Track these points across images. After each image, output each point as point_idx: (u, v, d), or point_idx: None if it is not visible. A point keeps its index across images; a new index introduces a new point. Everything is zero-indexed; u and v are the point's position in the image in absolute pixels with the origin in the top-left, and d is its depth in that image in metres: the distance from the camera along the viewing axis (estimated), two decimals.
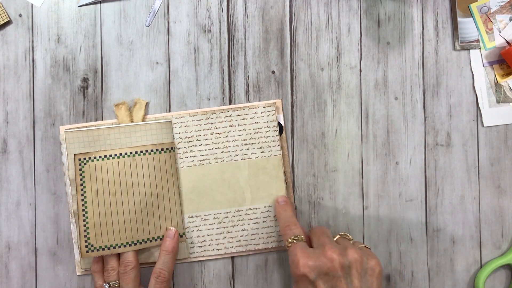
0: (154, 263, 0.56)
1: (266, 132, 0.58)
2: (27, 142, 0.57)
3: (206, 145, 0.57)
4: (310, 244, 0.52)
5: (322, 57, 0.59)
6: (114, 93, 0.58)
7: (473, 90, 0.60)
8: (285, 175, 0.58)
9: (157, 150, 0.56)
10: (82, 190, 0.55)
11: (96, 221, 0.55)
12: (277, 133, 0.58)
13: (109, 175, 0.56)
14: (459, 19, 0.60)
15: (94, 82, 0.58)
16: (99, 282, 0.55)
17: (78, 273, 0.57)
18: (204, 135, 0.57)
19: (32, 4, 0.57)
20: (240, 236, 0.58)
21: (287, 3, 0.59)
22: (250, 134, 0.57)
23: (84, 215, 0.55)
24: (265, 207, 0.57)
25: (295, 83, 0.59)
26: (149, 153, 0.56)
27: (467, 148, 0.60)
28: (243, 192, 0.57)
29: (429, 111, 0.60)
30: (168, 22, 0.58)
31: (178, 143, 0.57)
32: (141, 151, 0.56)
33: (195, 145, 0.57)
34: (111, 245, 0.55)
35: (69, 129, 0.56)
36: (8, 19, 0.57)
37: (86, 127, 0.57)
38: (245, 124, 0.58)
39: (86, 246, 0.55)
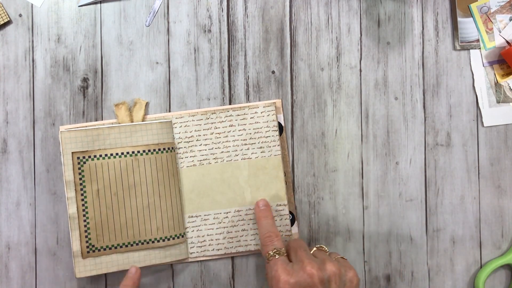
0: (155, 265, 0.56)
1: (266, 132, 0.58)
2: (27, 142, 0.57)
3: (206, 145, 0.57)
4: (287, 255, 0.52)
5: (322, 57, 0.59)
6: (114, 93, 0.58)
7: (473, 90, 0.60)
8: (285, 175, 0.58)
9: (158, 150, 0.56)
10: (82, 189, 0.55)
11: (97, 221, 0.55)
12: (277, 133, 0.58)
13: (110, 174, 0.55)
14: (459, 19, 0.60)
15: (94, 82, 0.58)
16: None
17: (77, 276, 0.56)
18: (204, 135, 0.57)
19: (32, 4, 0.57)
20: (240, 236, 0.58)
21: (287, 3, 0.59)
22: (250, 134, 0.57)
23: (84, 215, 0.55)
24: None
25: (295, 83, 0.59)
26: (150, 153, 0.56)
27: (467, 148, 0.60)
28: (243, 192, 0.57)
29: (429, 111, 0.60)
30: (168, 22, 0.58)
31: (178, 143, 0.57)
32: (143, 151, 0.56)
33: (195, 145, 0.57)
34: (112, 245, 0.55)
35: (68, 129, 0.56)
36: (8, 19, 0.57)
37: (86, 127, 0.57)
38: (245, 124, 0.58)
39: (87, 247, 0.55)
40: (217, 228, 0.57)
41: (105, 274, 0.57)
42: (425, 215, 0.59)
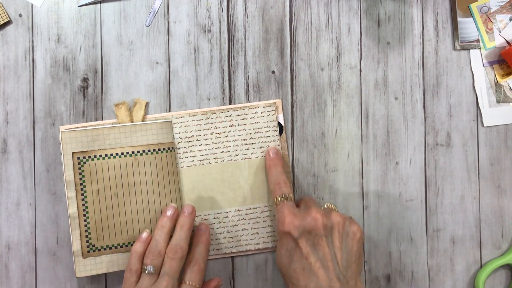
0: None
1: (266, 132, 0.58)
2: (27, 142, 0.57)
3: (206, 145, 0.57)
4: (297, 204, 0.55)
5: (322, 57, 0.59)
6: (114, 93, 0.58)
7: (473, 90, 0.60)
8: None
9: (158, 150, 0.56)
10: (82, 189, 0.55)
11: (97, 221, 0.55)
12: (277, 133, 0.58)
13: (110, 174, 0.56)
14: (459, 19, 0.60)
15: (94, 82, 0.58)
16: (137, 265, 0.52)
17: (77, 276, 0.56)
18: (204, 135, 0.57)
19: (32, 4, 0.57)
20: (240, 236, 0.58)
21: (287, 3, 0.59)
22: (250, 134, 0.57)
23: (85, 215, 0.55)
24: (265, 206, 0.57)
25: (295, 83, 0.59)
26: (149, 153, 0.56)
27: (467, 148, 0.60)
28: (243, 191, 0.57)
29: (429, 111, 0.60)
30: (168, 22, 0.58)
31: (178, 143, 0.57)
32: (143, 151, 0.56)
33: (195, 145, 0.57)
34: (112, 245, 0.55)
35: (68, 129, 0.56)
36: (8, 19, 0.57)
37: (86, 127, 0.57)
38: (245, 124, 0.58)
39: (88, 246, 0.55)
40: (217, 228, 0.57)
41: (105, 274, 0.57)
42: (425, 215, 0.59)
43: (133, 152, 0.56)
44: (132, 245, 0.55)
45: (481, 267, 0.60)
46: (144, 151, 0.56)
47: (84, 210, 0.55)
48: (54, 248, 0.57)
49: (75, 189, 0.55)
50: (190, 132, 0.57)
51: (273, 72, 0.59)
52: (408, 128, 0.59)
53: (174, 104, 0.58)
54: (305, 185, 0.59)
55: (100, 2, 0.58)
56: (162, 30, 0.58)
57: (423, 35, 0.60)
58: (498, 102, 0.60)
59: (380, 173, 0.59)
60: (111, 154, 0.56)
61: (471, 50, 0.60)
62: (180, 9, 0.58)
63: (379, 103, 0.59)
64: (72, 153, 0.55)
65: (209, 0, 0.58)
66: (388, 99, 0.59)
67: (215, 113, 0.57)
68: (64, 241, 0.57)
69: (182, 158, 0.57)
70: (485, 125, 0.60)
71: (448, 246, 0.60)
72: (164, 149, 0.56)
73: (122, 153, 0.56)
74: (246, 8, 0.59)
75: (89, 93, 0.58)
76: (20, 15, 0.57)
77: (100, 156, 0.55)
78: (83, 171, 0.55)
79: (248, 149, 0.57)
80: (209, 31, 0.58)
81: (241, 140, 0.57)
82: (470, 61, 0.60)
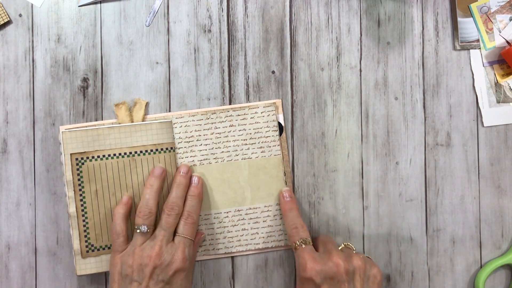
0: None
1: (266, 132, 0.58)
2: (27, 142, 0.57)
3: (206, 145, 0.57)
4: (316, 248, 0.54)
5: (322, 57, 0.59)
6: (114, 93, 0.58)
7: (473, 90, 0.60)
8: (285, 175, 0.58)
9: (157, 150, 0.56)
10: (80, 190, 0.55)
11: (96, 221, 0.55)
12: (277, 133, 0.58)
13: (108, 175, 0.56)
14: (459, 19, 0.60)
15: (94, 82, 0.58)
16: (122, 225, 0.53)
17: (78, 274, 0.56)
18: (204, 135, 0.57)
19: (32, 4, 0.57)
20: (240, 236, 0.58)
21: (287, 3, 0.59)
22: (250, 134, 0.57)
23: (83, 216, 0.55)
24: (265, 206, 0.58)
25: (295, 83, 0.59)
26: (149, 153, 0.56)
27: (467, 148, 0.60)
28: (243, 191, 0.57)
29: (429, 111, 0.60)
30: (168, 22, 0.58)
31: (178, 143, 0.57)
32: (141, 151, 0.56)
33: (195, 145, 0.57)
34: (111, 245, 0.55)
35: (68, 129, 0.56)
36: (8, 19, 0.57)
37: (86, 127, 0.57)
38: (245, 124, 0.58)
39: (87, 246, 0.55)
40: (217, 228, 0.57)
41: (105, 273, 0.57)
42: (425, 215, 0.59)
43: (130, 153, 0.56)
44: None
45: (481, 267, 0.60)
46: (141, 151, 0.56)
47: (82, 210, 0.55)
48: (54, 248, 0.57)
49: (74, 190, 0.55)
50: (190, 132, 0.57)
51: (273, 72, 0.59)
52: (408, 128, 0.59)
53: (174, 104, 0.58)
54: (305, 185, 0.59)
55: (100, 2, 0.58)
56: (162, 30, 0.58)
57: (423, 35, 0.60)
58: (498, 102, 0.60)
59: (380, 173, 0.59)
60: (109, 155, 0.56)
61: (471, 50, 0.60)
62: (180, 9, 0.58)
63: (379, 103, 0.59)
64: (70, 154, 0.55)
65: (209, 0, 0.58)
66: (388, 99, 0.59)
67: (215, 113, 0.57)
68: (64, 241, 0.57)
69: (182, 158, 0.57)
70: (485, 125, 0.60)
71: (448, 246, 0.60)
72: (162, 149, 0.56)
73: (120, 154, 0.56)
74: (246, 8, 0.59)
75: (89, 93, 0.58)
76: (20, 15, 0.57)
77: (98, 157, 0.55)
78: (81, 171, 0.55)
79: (248, 149, 0.57)
80: (209, 31, 0.58)
81: (241, 140, 0.57)
82: (470, 61, 0.60)
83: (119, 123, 0.57)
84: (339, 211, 0.59)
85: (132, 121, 0.57)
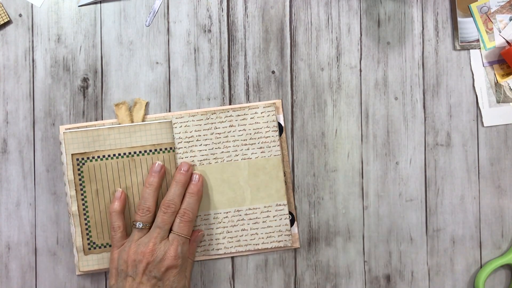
0: None
1: (266, 132, 0.58)
2: (27, 142, 0.57)
3: (206, 145, 0.57)
4: None
5: (322, 57, 0.59)
6: (114, 93, 0.58)
7: (473, 90, 0.60)
8: (285, 175, 0.58)
9: (156, 150, 0.56)
10: (81, 190, 0.56)
11: (97, 220, 0.56)
12: (277, 133, 0.58)
13: (109, 175, 0.56)
14: (459, 19, 0.60)
15: (94, 82, 0.58)
16: (118, 222, 0.54)
17: (77, 273, 0.57)
18: (204, 135, 0.57)
19: (32, 4, 0.57)
20: (240, 236, 0.58)
21: (287, 3, 0.59)
22: (250, 134, 0.57)
23: (85, 214, 0.56)
24: (264, 207, 0.58)
25: (295, 83, 0.59)
26: (148, 154, 0.56)
27: (467, 148, 0.60)
28: (243, 192, 0.57)
29: (429, 111, 0.60)
30: (168, 22, 0.58)
31: (178, 143, 0.57)
32: (140, 151, 0.56)
33: (195, 145, 0.57)
34: (111, 240, 0.56)
35: (69, 129, 0.56)
36: (8, 19, 0.57)
37: (86, 127, 0.57)
38: (245, 124, 0.58)
39: (89, 244, 0.56)
40: (216, 228, 0.57)
41: (105, 273, 0.57)
42: (425, 215, 0.59)
43: (130, 153, 0.56)
44: None
45: (481, 267, 0.60)
46: (141, 151, 0.56)
47: (84, 209, 0.56)
48: (54, 248, 0.57)
49: (75, 189, 0.56)
50: (190, 132, 0.57)
51: (273, 72, 0.59)
52: (408, 128, 0.59)
53: (174, 104, 0.58)
54: (305, 185, 0.59)
55: (100, 2, 0.58)
56: (162, 30, 0.58)
57: (423, 35, 0.60)
58: (498, 102, 0.60)
59: (380, 173, 0.59)
60: (109, 155, 0.56)
61: (471, 50, 0.60)
62: (180, 9, 0.58)
63: (379, 103, 0.59)
64: (72, 154, 0.55)
65: (209, 0, 0.58)
66: (388, 99, 0.59)
67: (215, 113, 0.57)
68: (64, 241, 0.57)
69: (182, 158, 0.57)
70: (485, 125, 0.60)
71: (448, 246, 0.60)
72: (163, 149, 0.56)
73: (119, 154, 0.56)
74: (246, 8, 0.59)
75: (89, 93, 0.58)
76: (20, 15, 0.57)
77: (98, 157, 0.56)
78: (82, 171, 0.55)
79: (248, 149, 0.57)
80: (209, 31, 0.58)
81: (241, 140, 0.57)
82: (470, 61, 0.60)
83: (119, 123, 0.57)
84: (339, 211, 0.59)
85: (132, 121, 0.57)
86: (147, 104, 0.58)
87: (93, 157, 0.56)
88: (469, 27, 0.59)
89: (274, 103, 0.58)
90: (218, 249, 0.57)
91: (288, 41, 0.59)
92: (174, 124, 0.57)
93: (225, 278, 0.58)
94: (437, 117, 0.60)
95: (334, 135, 0.59)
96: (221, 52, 0.59)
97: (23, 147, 0.57)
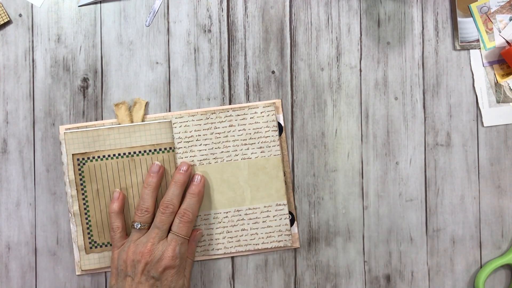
0: None
1: (266, 132, 0.58)
2: (27, 142, 0.57)
3: (206, 145, 0.57)
4: None
5: (322, 57, 0.59)
6: (114, 93, 0.58)
7: (473, 90, 0.60)
8: (284, 175, 0.58)
9: (155, 150, 0.56)
10: (82, 189, 0.56)
11: (98, 220, 0.56)
12: (277, 133, 0.58)
13: (109, 175, 0.56)
14: (459, 19, 0.60)
15: (94, 82, 0.58)
16: (117, 222, 0.55)
17: (77, 273, 0.57)
18: (204, 135, 0.57)
19: (32, 4, 0.57)
20: (240, 236, 0.58)
21: (287, 3, 0.59)
22: (250, 134, 0.57)
23: (86, 214, 0.56)
24: (264, 207, 0.58)
25: (295, 83, 0.59)
26: (148, 154, 0.56)
27: (467, 148, 0.60)
28: (242, 192, 0.57)
29: (429, 111, 0.60)
30: (168, 22, 0.58)
31: (178, 143, 0.57)
32: (140, 151, 0.56)
33: (195, 145, 0.57)
34: (111, 241, 0.56)
35: (69, 129, 0.56)
36: (8, 19, 0.57)
37: (86, 127, 0.57)
38: (245, 124, 0.58)
39: (90, 243, 0.56)
40: (216, 228, 0.57)
41: (105, 274, 0.57)
42: (425, 215, 0.59)
43: (129, 153, 0.56)
44: None
45: (481, 267, 0.60)
46: (140, 151, 0.56)
47: (85, 209, 0.56)
48: (54, 248, 0.57)
49: (76, 189, 0.56)
50: (190, 132, 0.57)
51: (273, 72, 0.59)
52: (408, 128, 0.59)
53: (174, 104, 0.58)
54: (305, 185, 0.59)
55: (100, 2, 0.58)
56: (162, 30, 0.58)
57: (423, 35, 0.60)
58: (498, 102, 0.60)
59: (380, 173, 0.59)
60: (109, 155, 0.56)
61: (471, 50, 0.60)
62: (180, 9, 0.58)
63: (379, 103, 0.59)
64: (72, 154, 0.56)
65: (209, 0, 0.58)
66: (388, 99, 0.59)
67: (214, 113, 0.57)
68: (64, 241, 0.57)
69: (182, 158, 0.57)
70: (485, 125, 0.60)
71: (448, 246, 0.60)
72: (163, 149, 0.56)
73: (119, 154, 0.56)
74: (246, 8, 0.59)
75: (89, 93, 0.58)
76: (20, 15, 0.57)
77: (99, 157, 0.56)
78: (82, 171, 0.56)
79: (248, 149, 0.57)
80: (209, 31, 0.58)
81: (241, 140, 0.57)
82: (470, 61, 0.60)
83: (119, 123, 0.57)
84: (339, 211, 0.59)
85: (132, 121, 0.57)
86: (147, 104, 0.58)
87: (94, 157, 0.56)
88: (469, 27, 0.59)
89: (274, 103, 0.58)
90: (218, 249, 0.57)
91: (288, 41, 0.59)
92: (173, 124, 0.57)
93: (225, 278, 0.58)
94: (437, 117, 0.60)
95: (334, 135, 0.59)
96: (221, 52, 0.59)
97: (23, 147, 0.57)
